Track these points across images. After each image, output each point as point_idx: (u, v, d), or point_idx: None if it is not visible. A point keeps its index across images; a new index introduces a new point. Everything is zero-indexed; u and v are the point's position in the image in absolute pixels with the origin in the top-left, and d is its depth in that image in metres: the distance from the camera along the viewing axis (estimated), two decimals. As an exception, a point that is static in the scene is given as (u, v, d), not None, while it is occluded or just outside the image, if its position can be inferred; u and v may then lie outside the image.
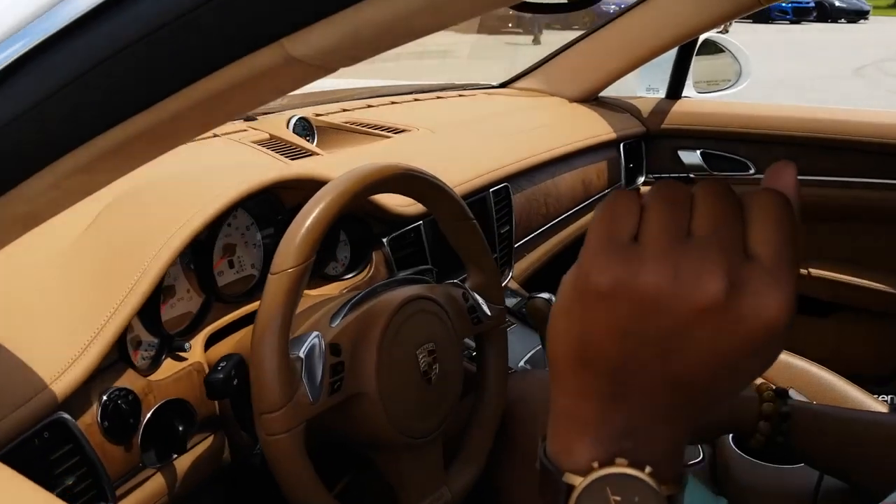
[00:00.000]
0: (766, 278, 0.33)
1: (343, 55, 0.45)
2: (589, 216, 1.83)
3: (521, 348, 1.32)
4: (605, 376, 0.36)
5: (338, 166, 1.16)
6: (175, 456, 0.82)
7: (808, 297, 1.99)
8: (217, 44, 0.42)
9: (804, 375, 1.47)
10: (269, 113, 1.46)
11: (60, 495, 0.69)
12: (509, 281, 1.49)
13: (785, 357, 1.54)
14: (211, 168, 0.94)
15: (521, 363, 1.28)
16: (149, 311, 0.82)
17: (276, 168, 0.95)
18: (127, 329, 0.80)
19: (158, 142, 0.50)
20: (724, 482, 1.10)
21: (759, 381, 1.00)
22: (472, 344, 1.07)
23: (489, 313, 0.97)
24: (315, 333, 0.77)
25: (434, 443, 0.89)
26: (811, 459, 0.97)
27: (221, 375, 0.78)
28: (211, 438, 0.87)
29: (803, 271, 1.96)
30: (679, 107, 2.03)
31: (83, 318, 0.74)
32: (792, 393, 1.35)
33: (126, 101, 0.44)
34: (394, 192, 0.89)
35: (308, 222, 0.74)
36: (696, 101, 2.06)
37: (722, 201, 0.36)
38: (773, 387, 0.98)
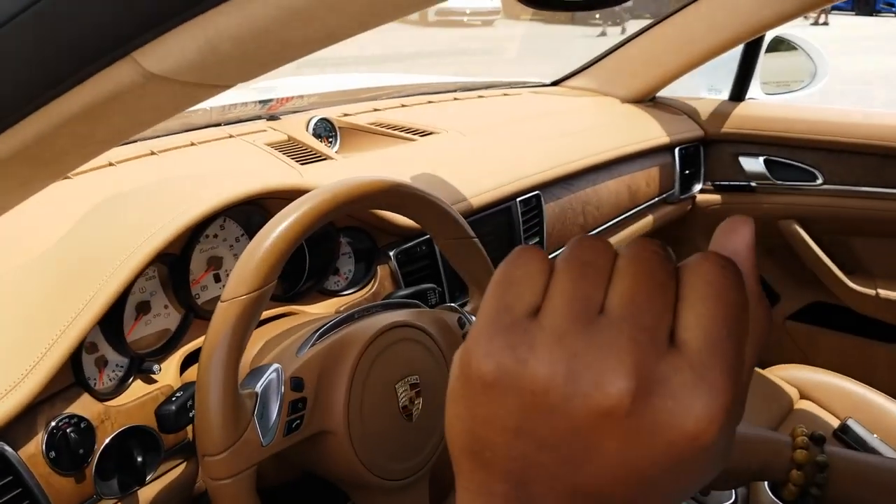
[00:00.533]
0: (689, 375, 0.26)
1: (219, 71, 0.37)
2: (634, 227, 1.71)
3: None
4: (505, 479, 0.29)
5: (347, 172, 1.09)
6: (136, 487, 0.76)
7: (876, 320, 1.82)
8: (55, 60, 0.35)
9: (867, 406, 1.33)
10: (296, 112, 1.41)
11: (-1, 529, 0.65)
12: (537, 297, 1.39)
13: (846, 384, 1.40)
14: (195, 176, 0.89)
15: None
16: (114, 327, 0.77)
17: (264, 178, 0.88)
18: (84, 347, 0.76)
19: (35, 168, 0.44)
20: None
21: (797, 427, 0.88)
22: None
23: (490, 341, 0.88)
24: (275, 366, 0.70)
25: (417, 483, 0.80)
26: None
27: (173, 408, 0.72)
28: (182, 466, 0.82)
29: (870, 292, 1.78)
30: (742, 109, 1.88)
31: (33, 336, 0.69)
32: (851, 423, 1.22)
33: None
34: (379, 209, 0.81)
35: (266, 244, 0.67)
36: (761, 104, 1.90)
37: (647, 268, 0.28)
38: (807, 432, 0.86)
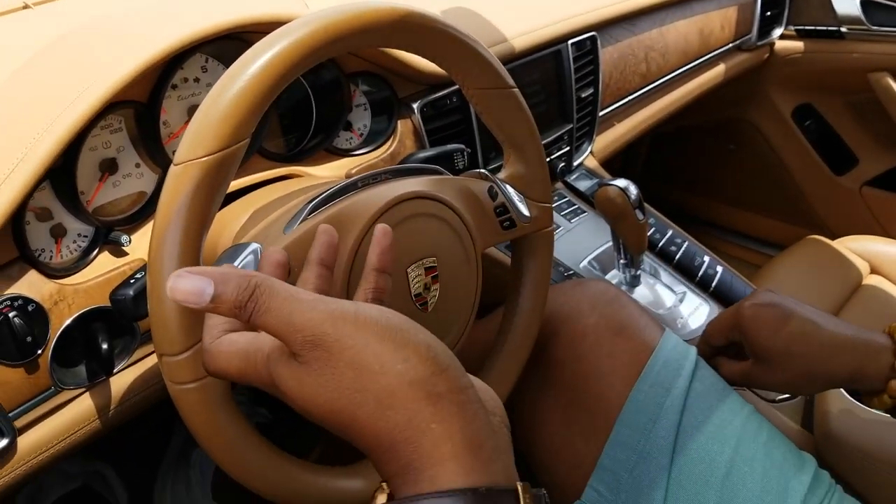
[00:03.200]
0: None
1: None
2: (703, 78, 1.47)
3: (589, 243, 1.06)
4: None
5: None
6: (103, 377, 0.64)
7: None
8: None
9: None
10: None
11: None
12: (587, 157, 1.19)
13: None
14: (166, 6, 0.69)
15: (585, 262, 1.02)
16: (69, 188, 0.62)
17: (255, 4, 0.69)
18: (36, 214, 0.61)
19: None
20: (819, 426, 0.84)
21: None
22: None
23: (528, 214, 0.71)
24: (254, 247, 0.54)
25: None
26: None
27: (131, 292, 0.57)
28: (163, 350, 0.69)
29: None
30: (841, -62, 1.59)
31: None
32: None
33: None
34: (394, 48, 0.62)
35: (232, 91, 0.49)
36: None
37: None
38: None
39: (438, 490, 0.34)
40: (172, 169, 0.48)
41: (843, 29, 1.62)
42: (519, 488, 0.35)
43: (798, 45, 1.71)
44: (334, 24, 0.53)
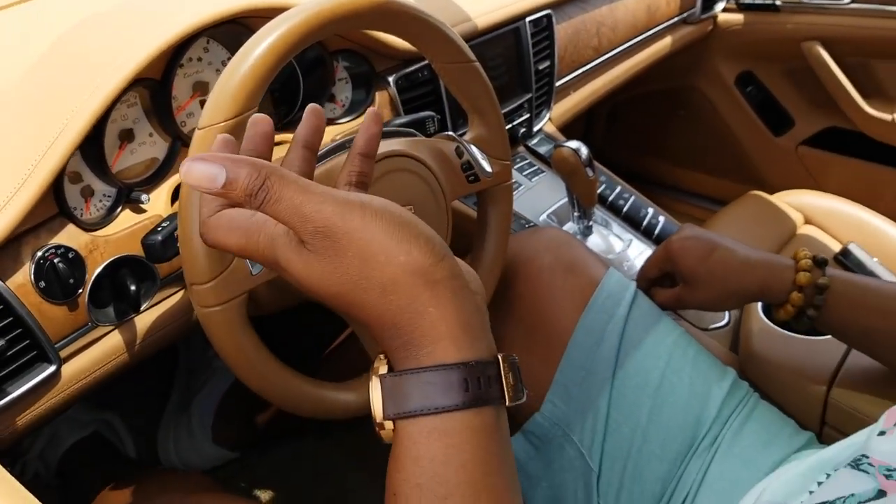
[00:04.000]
0: None
1: None
2: (651, 49, 1.58)
3: (546, 199, 1.17)
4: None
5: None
6: (132, 314, 0.74)
7: (889, 146, 1.73)
8: None
9: (870, 230, 1.29)
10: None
11: (-7, 358, 0.63)
12: (545, 123, 1.30)
13: (851, 209, 1.35)
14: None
15: (544, 216, 1.14)
16: (96, 154, 0.71)
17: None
18: (69, 177, 0.70)
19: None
20: (743, 348, 0.97)
21: (800, 249, 0.84)
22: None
23: (489, 169, 0.82)
24: None
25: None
26: (843, 333, 0.83)
27: (159, 238, 0.67)
28: (180, 294, 0.79)
29: (886, 117, 1.69)
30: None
31: (8, 167, 0.64)
32: (852, 247, 1.18)
33: None
34: (372, 29, 0.72)
35: (244, 67, 0.59)
36: None
37: None
38: (810, 255, 0.82)
39: (435, 363, 0.40)
40: (197, 133, 0.59)
41: (778, 2, 1.72)
42: (500, 358, 0.42)
43: (739, 17, 1.80)
44: (325, 11, 0.63)
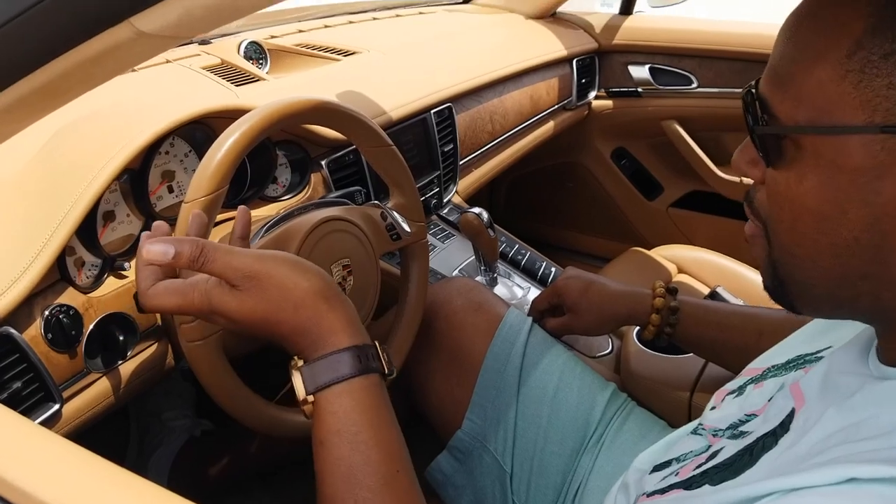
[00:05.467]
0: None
1: (190, 28, 0.47)
2: (537, 132, 1.83)
3: (458, 257, 1.36)
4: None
5: (279, 92, 1.17)
6: (119, 362, 0.87)
7: (742, 203, 2.00)
8: (75, 23, 0.45)
9: (734, 276, 1.47)
10: (225, 35, 1.45)
11: (10, 398, 0.75)
12: (453, 195, 1.51)
13: (718, 259, 1.56)
14: (145, 101, 0.95)
15: (456, 271, 1.33)
16: (88, 233, 0.86)
17: (205, 99, 0.96)
18: (66, 251, 0.84)
19: (47, 100, 0.53)
20: (623, 367, 1.16)
21: (657, 282, 1.04)
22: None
23: (408, 230, 1.00)
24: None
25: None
26: (696, 346, 1.03)
27: (149, 293, 0.82)
28: (154, 346, 0.93)
29: (736, 179, 1.96)
30: (631, 22, 1.99)
31: (25, 241, 0.78)
32: (719, 290, 1.40)
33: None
34: (311, 124, 0.90)
35: (219, 155, 0.76)
36: (647, 17, 2.02)
37: None
38: (665, 285, 1.03)
39: (336, 349, 0.57)
40: (184, 206, 0.75)
41: (640, 90, 1.99)
42: (376, 344, 0.60)
43: (609, 103, 2.05)
44: (276, 112, 0.81)
